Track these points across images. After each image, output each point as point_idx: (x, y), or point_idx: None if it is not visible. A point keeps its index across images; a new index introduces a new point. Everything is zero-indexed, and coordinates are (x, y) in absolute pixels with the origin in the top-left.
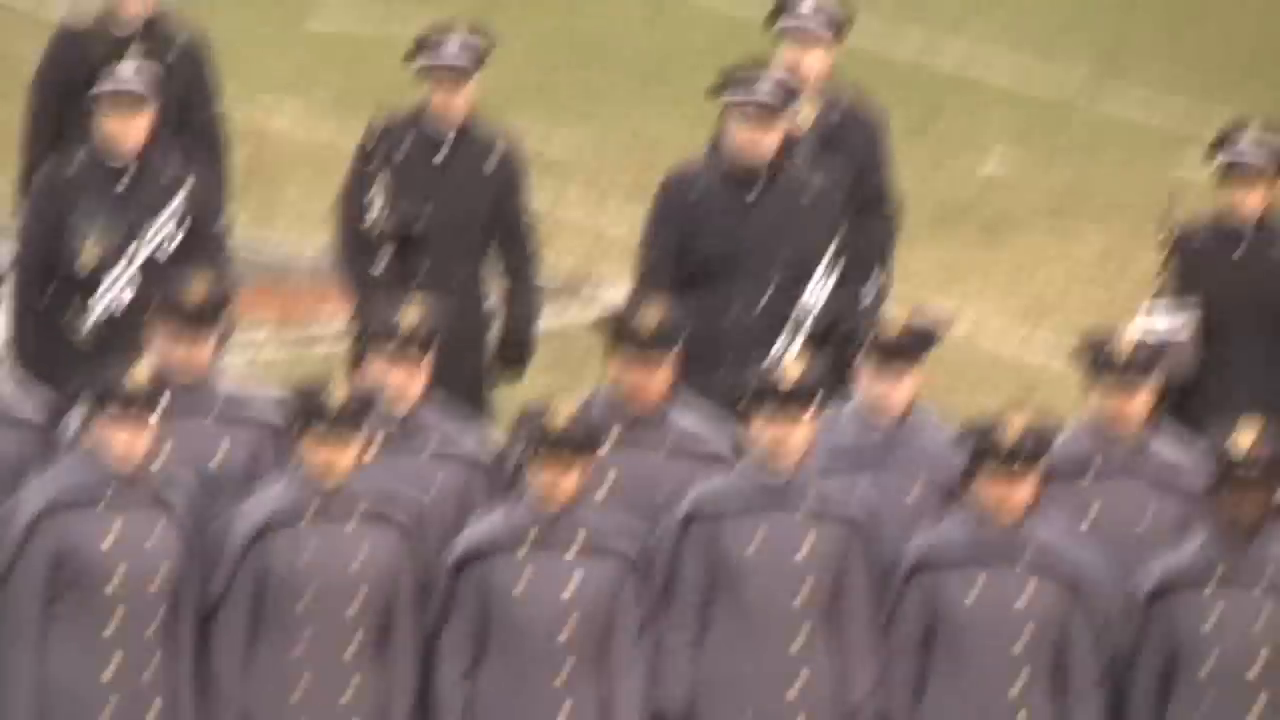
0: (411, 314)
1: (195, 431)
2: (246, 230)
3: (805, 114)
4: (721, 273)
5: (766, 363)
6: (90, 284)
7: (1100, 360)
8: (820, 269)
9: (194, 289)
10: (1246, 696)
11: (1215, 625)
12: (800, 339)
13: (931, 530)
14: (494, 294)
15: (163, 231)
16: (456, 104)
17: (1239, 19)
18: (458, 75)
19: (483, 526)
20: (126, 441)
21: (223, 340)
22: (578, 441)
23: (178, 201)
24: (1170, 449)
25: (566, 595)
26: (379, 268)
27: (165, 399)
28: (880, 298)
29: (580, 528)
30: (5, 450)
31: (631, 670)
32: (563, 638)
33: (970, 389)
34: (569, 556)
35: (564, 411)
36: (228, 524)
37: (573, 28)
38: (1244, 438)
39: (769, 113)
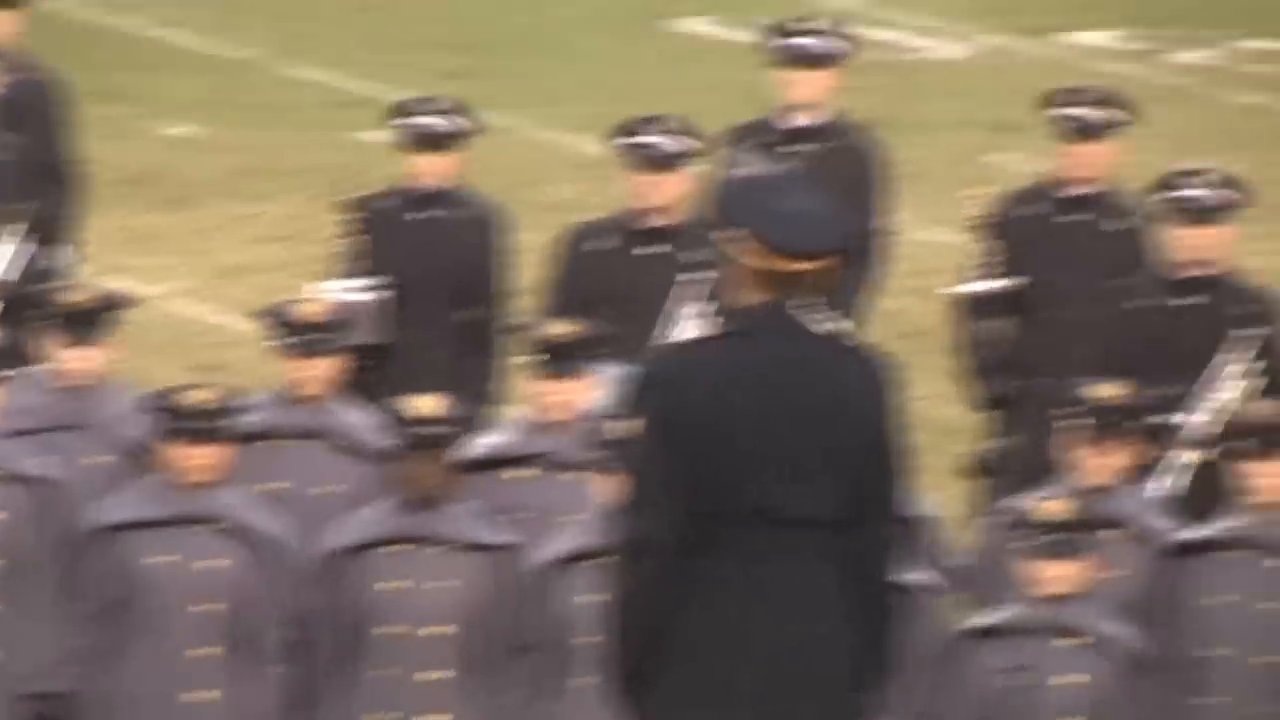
0: None
1: None
2: None
3: None
4: None
5: None
6: None
7: (283, 326)
8: (6, 235)
9: None
10: (434, 654)
11: (395, 585)
12: None
13: (118, 494)
14: None
15: None
16: None
17: None
18: None
19: None
20: None
21: None
22: None
23: None
24: (354, 414)
25: None
26: None
27: None
28: (66, 264)
29: None
30: None
31: None
32: None
33: (157, 354)
34: None
35: None
36: None
37: None
38: (424, 403)
39: None
